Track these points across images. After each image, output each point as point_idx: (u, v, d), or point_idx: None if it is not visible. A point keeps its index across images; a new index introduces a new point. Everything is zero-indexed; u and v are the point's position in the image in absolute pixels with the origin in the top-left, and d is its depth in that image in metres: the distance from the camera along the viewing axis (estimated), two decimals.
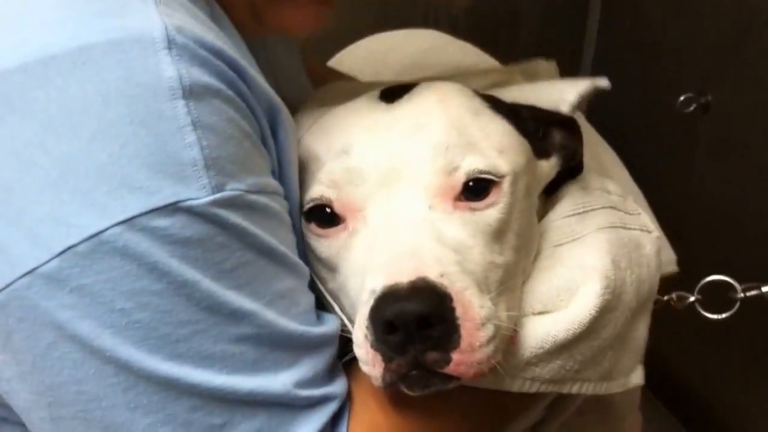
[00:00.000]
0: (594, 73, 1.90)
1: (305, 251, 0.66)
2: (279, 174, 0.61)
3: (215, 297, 0.52)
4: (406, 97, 0.66)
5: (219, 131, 0.52)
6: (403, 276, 0.54)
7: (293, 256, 0.59)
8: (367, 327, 0.55)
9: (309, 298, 0.61)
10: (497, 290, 0.59)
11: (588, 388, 0.65)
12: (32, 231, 0.49)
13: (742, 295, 0.80)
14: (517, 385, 0.61)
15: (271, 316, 0.55)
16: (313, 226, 0.64)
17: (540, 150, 0.69)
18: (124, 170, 0.49)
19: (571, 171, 0.73)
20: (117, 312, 0.50)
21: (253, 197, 0.54)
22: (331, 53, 1.33)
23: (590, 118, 0.87)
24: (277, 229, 0.57)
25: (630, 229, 0.69)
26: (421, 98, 0.66)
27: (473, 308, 0.54)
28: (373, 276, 0.56)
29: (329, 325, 0.61)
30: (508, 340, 0.58)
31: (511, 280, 0.61)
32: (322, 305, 0.65)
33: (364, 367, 0.57)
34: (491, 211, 0.61)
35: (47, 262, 0.49)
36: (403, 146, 0.61)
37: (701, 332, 0.79)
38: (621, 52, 1.76)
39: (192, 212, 0.50)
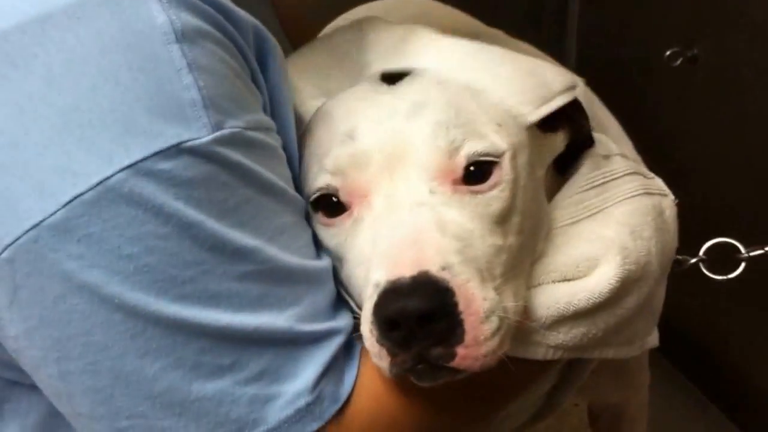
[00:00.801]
0: (580, 30, 1.91)
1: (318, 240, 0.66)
2: (271, 109, 0.62)
3: (219, 236, 0.53)
4: (407, 78, 0.66)
5: (213, 72, 0.53)
6: (405, 269, 0.54)
7: (291, 191, 0.60)
8: (372, 323, 0.55)
9: (308, 233, 0.62)
10: (502, 276, 0.58)
11: (609, 353, 0.65)
12: (39, 183, 0.50)
13: (745, 254, 0.79)
14: (541, 353, 0.62)
15: (273, 251, 0.56)
16: (320, 216, 0.64)
17: (544, 123, 0.68)
18: (126, 116, 0.50)
19: (580, 146, 0.71)
20: (124, 258, 0.51)
21: (251, 134, 0.55)
22: (325, 22, 1.42)
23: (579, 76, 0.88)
24: (274, 165, 0.58)
25: (651, 194, 0.68)
26: (421, 79, 0.66)
27: (476, 301, 0.54)
28: (376, 268, 0.57)
29: (325, 260, 0.63)
30: (515, 328, 0.58)
31: (517, 263, 0.61)
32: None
33: (373, 358, 0.57)
34: (494, 192, 0.60)
35: (54, 213, 0.50)
36: (405, 128, 0.61)
37: (708, 289, 0.82)
38: (607, 8, 1.76)
39: (195, 152, 0.51)
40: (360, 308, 0.61)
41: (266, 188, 0.57)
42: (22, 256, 0.51)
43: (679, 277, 0.77)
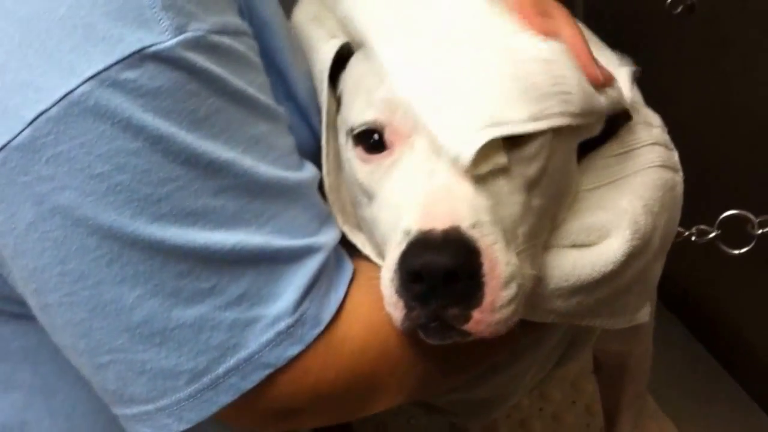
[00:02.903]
0: None
1: (348, 174, 0.65)
2: (249, 11, 0.59)
3: (192, 149, 0.51)
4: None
5: None
6: (437, 221, 0.53)
7: (265, 98, 0.58)
8: (395, 271, 0.54)
9: (286, 141, 0.60)
10: (525, 240, 0.58)
11: (596, 322, 0.65)
12: (2, 103, 0.49)
13: (759, 231, 0.81)
14: (536, 316, 0.61)
15: (248, 163, 0.54)
16: (359, 151, 0.62)
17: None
18: (85, 22, 0.48)
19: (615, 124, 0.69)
20: (96, 177, 0.49)
21: (217, 38, 0.53)
22: None
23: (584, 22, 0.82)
24: (245, 72, 0.56)
25: (668, 167, 0.67)
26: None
27: (500, 265, 0.53)
28: (408, 215, 0.55)
29: (308, 171, 0.61)
30: (526, 298, 0.58)
31: (538, 229, 0.60)
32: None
33: (387, 306, 0.56)
34: (530, 148, 0.59)
35: (20, 132, 0.48)
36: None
37: (719, 256, 0.82)
38: None
39: (159, 59, 0.50)
40: (378, 249, 0.61)
41: (237, 96, 0.54)
42: None
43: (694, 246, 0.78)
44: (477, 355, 0.66)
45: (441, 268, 0.52)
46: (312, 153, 0.66)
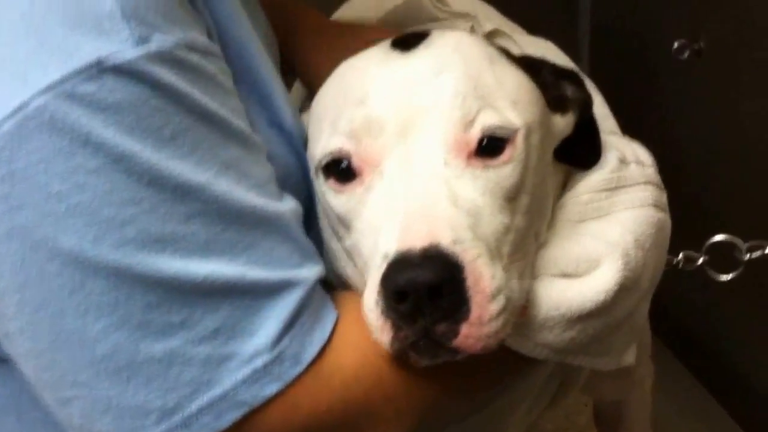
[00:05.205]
0: (592, 23, 1.94)
1: (324, 207, 0.64)
2: (221, 36, 0.57)
3: (157, 169, 0.49)
4: (422, 44, 0.64)
5: None
6: (417, 241, 0.53)
7: (239, 123, 0.55)
8: (378, 293, 0.53)
9: (261, 170, 0.57)
10: (510, 256, 0.57)
11: (586, 362, 0.64)
12: None
13: (747, 256, 0.80)
14: (526, 348, 0.60)
15: (220, 189, 0.51)
16: (332, 182, 0.62)
17: (555, 103, 0.67)
18: (39, 30, 0.46)
19: (586, 133, 0.70)
20: (54, 197, 0.47)
21: (184, 53, 0.50)
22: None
23: (590, 68, 0.86)
24: (216, 93, 0.53)
25: (659, 208, 0.67)
26: (438, 46, 0.64)
27: (484, 279, 0.53)
28: (386, 238, 0.55)
29: (289, 203, 0.58)
30: (519, 311, 0.57)
31: (523, 245, 0.60)
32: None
33: (374, 332, 0.55)
34: (506, 168, 0.59)
35: None
36: (421, 95, 0.60)
37: (708, 283, 0.81)
38: (617, 2, 1.79)
39: (120, 71, 0.47)
40: (363, 278, 0.59)
41: (206, 117, 0.52)
42: None
43: (684, 272, 0.77)
44: (476, 378, 0.64)
45: (424, 282, 0.51)
46: (301, 183, 0.65)
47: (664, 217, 0.68)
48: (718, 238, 0.79)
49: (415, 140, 0.59)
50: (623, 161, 0.69)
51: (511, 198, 0.59)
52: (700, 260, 0.79)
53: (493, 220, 0.57)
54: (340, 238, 0.64)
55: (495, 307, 0.53)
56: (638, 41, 1.70)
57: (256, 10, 0.70)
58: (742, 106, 1.47)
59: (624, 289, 0.61)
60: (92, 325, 0.49)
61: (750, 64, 1.43)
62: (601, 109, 0.77)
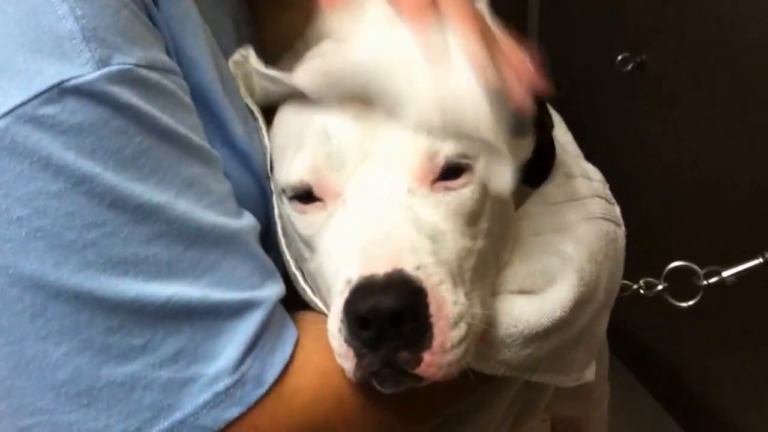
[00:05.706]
0: (540, 36, 1.99)
1: (288, 228, 0.64)
2: (176, 52, 0.57)
3: (119, 191, 0.48)
4: None
5: (94, 1, 0.49)
6: (379, 267, 0.53)
7: (198, 139, 0.55)
8: (341, 320, 0.53)
9: (221, 186, 0.57)
10: (471, 282, 0.57)
11: (545, 378, 0.65)
12: None
13: (705, 282, 0.82)
14: (488, 367, 0.61)
15: (181, 208, 0.51)
16: (295, 204, 0.62)
17: (516, 126, 0.66)
18: None
19: (543, 154, 0.69)
20: (14, 222, 0.46)
21: (144, 72, 0.50)
22: None
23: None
24: (176, 110, 0.53)
25: (609, 220, 0.68)
26: None
27: (447, 305, 0.53)
28: (348, 264, 0.55)
29: (247, 219, 0.58)
30: (479, 337, 0.57)
31: (484, 270, 0.60)
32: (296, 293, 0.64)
33: (337, 358, 0.55)
34: (465, 190, 0.59)
35: None
36: (384, 127, 0.59)
37: (665, 305, 0.84)
38: (564, 15, 1.83)
39: (80, 93, 0.47)
40: (326, 302, 0.60)
41: (167, 135, 0.52)
42: None
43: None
44: (434, 401, 0.64)
45: (387, 310, 0.51)
46: (255, 202, 0.64)
47: (615, 229, 0.68)
48: (676, 264, 0.81)
49: (378, 169, 0.59)
50: (569, 176, 0.70)
51: (473, 221, 0.60)
52: (660, 287, 0.80)
53: (456, 245, 0.57)
54: (304, 260, 0.63)
55: (457, 334, 0.53)
56: (583, 55, 1.75)
57: None
58: (682, 118, 1.52)
59: (580, 304, 0.62)
60: (53, 349, 0.49)
61: (690, 78, 1.49)
62: (564, 136, 0.77)
